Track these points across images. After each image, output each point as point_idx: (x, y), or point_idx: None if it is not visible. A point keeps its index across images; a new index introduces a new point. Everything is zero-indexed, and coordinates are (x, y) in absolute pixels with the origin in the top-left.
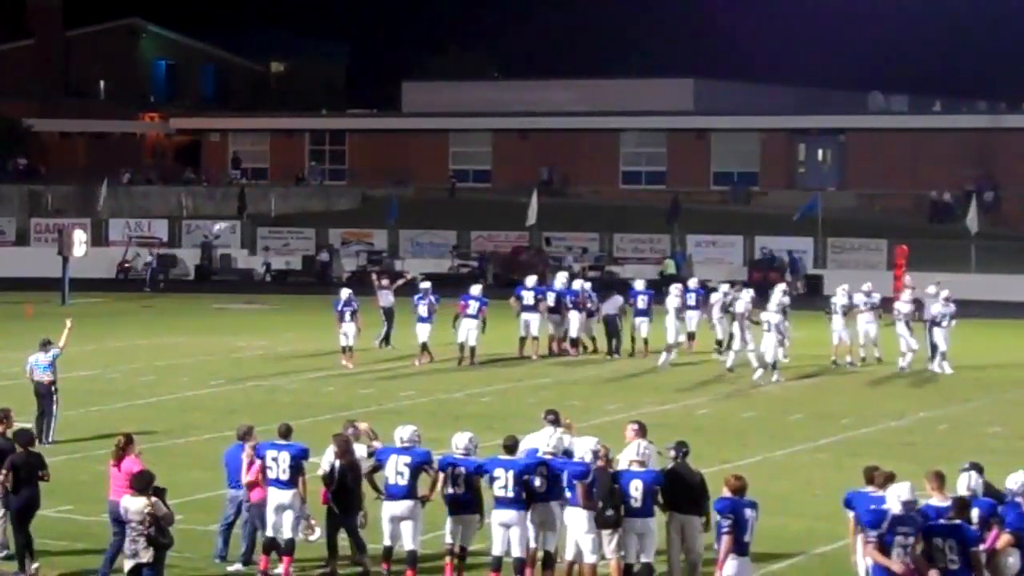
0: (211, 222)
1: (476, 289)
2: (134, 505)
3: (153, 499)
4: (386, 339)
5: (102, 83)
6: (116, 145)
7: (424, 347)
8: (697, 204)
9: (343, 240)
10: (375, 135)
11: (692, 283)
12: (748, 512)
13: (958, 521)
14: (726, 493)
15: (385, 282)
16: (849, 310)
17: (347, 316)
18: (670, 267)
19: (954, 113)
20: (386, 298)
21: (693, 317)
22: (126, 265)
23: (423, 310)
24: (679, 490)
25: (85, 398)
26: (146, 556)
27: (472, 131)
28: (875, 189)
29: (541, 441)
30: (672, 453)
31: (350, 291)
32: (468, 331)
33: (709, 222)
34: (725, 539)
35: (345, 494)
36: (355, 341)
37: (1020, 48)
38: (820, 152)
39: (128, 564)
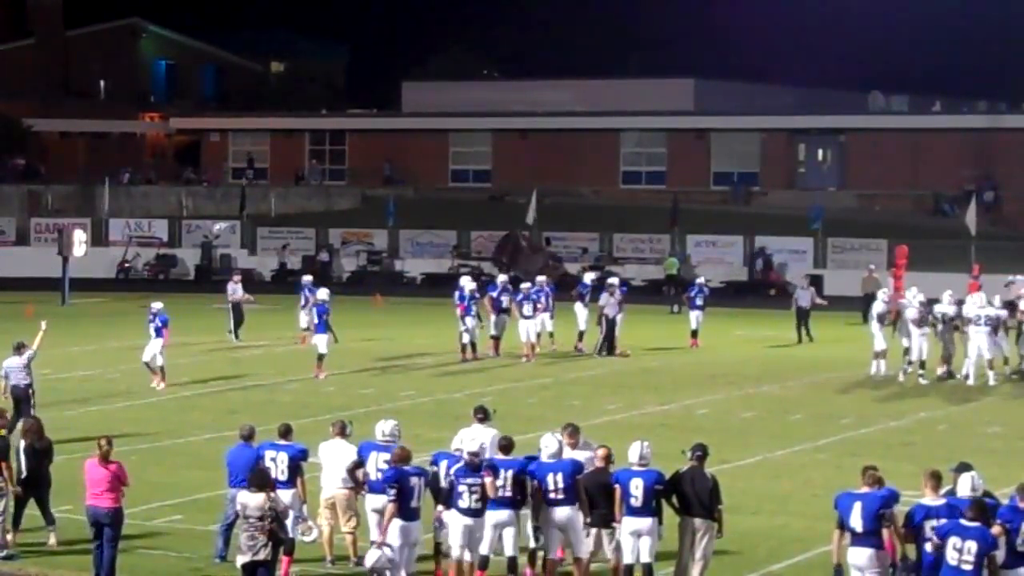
0: (211, 222)
1: (524, 286)
2: (253, 501)
3: (272, 494)
4: (236, 333)
5: (102, 83)
6: (116, 145)
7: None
8: (697, 204)
9: (343, 240)
10: (375, 135)
11: (699, 281)
12: (413, 480)
13: (979, 524)
14: (392, 464)
15: (237, 277)
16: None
17: (151, 332)
18: (672, 267)
19: (954, 113)
20: (238, 293)
21: (700, 316)
22: (126, 265)
23: (303, 301)
24: (691, 493)
25: (85, 398)
26: (264, 553)
27: (472, 131)
28: (875, 189)
29: (478, 439)
30: (689, 454)
31: (160, 304)
32: (540, 323)
33: (709, 222)
34: (390, 506)
35: (40, 473)
36: (162, 360)
37: (1020, 48)
38: (820, 152)
39: (242, 560)
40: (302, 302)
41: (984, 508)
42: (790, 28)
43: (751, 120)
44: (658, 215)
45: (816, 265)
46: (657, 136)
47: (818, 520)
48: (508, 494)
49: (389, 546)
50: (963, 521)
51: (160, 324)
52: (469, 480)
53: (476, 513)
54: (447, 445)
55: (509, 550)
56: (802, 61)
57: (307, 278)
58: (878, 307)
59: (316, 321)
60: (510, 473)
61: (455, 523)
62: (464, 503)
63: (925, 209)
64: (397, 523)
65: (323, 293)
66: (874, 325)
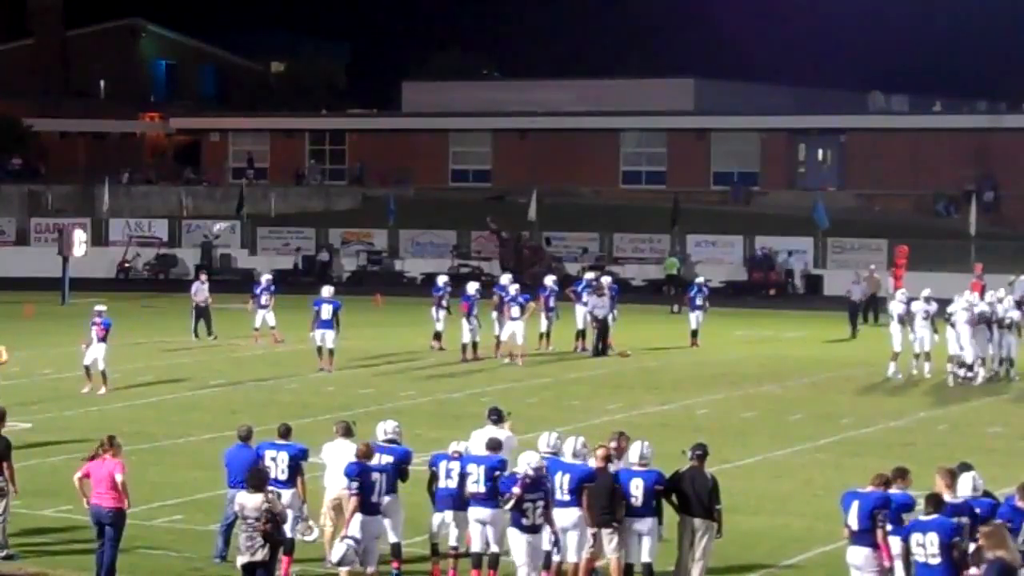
0: (211, 222)
1: (512, 288)
2: (251, 502)
3: (270, 495)
4: (204, 332)
5: (102, 83)
6: (116, 145)
7: (257, 330)
8: (697, 204)
9: (343, 240)
10: (375, 135)
11: (698, 281)
12: (375, 476)
13: (936, 516)
14: (353, 459)
15: (204, 277)
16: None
17: (93, 335)
18: (672, 267)
19: (954, 113)
20: (203, 293)
21: (700, 316)
22: (126, 265)
23: (265, 300)
24: (691, 493)
25: (85, 398)
26: (261, 554)
27: (472, 131)
28: (875, 189)
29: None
30: (689, 454)
31: (104, 307)
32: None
33: (709, 222)
34: (353, 500)
35: None
36: (104, 364)
37: (1020, 48)
38: (820, 152)
39: (241, 560)
40: (264, 301)
41: (940, 501)
42: (790, 28)
43: (751, 120)
44: (658, 215)
45: (816, 265)
46: (657, 136)
47: (818, 520)
48: (483, 490)
49: (354, 539)
50: (921, 516)
51: (104, 328)
52: (533, 495)
53: (537, 529)
54: (447, 445)
55: (494, 547)
56: (802, 61)
57: (267, 277)
58: (897, 308)
59: (327, 317)
60: (482, 469)
61: (518, 542)
62: (528, 520)
63: (925, 209)
64: (359, 517)
65: (328, 291)
66: (893, 326)
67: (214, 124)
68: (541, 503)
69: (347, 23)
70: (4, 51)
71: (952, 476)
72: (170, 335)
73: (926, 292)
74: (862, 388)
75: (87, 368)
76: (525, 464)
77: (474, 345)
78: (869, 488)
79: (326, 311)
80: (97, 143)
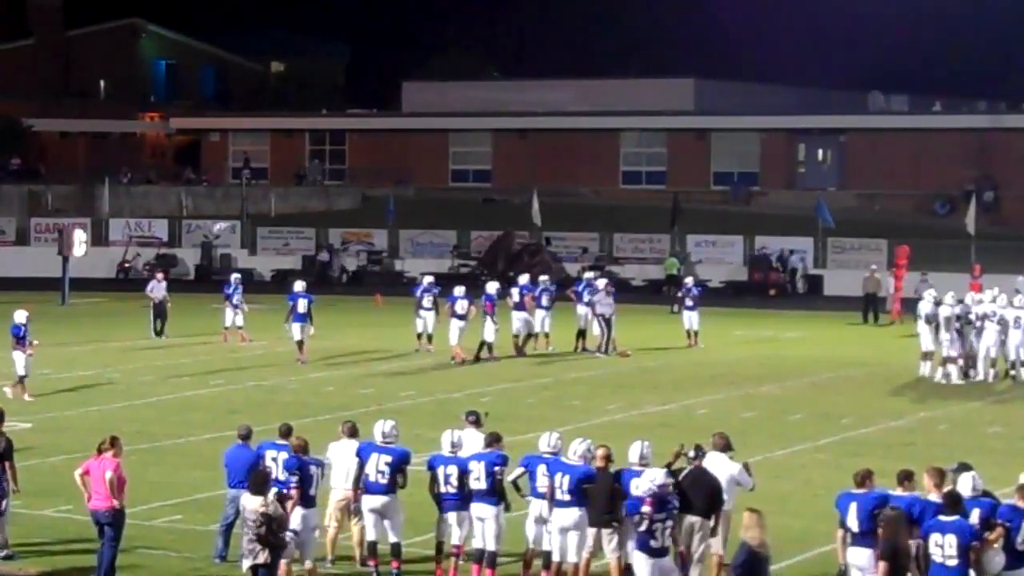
0: (211, 222)
1: (458, 289)
2: (251, 505)
3: (270, 500)
4: (159, 331)
5: (102, 83)
6: (116, 145)
7: (228, 329)
8: (697, 204)
9: (343, 240)
10: (375, 135)
11: (687, 282)
12: (312, 469)
13: (956, 517)
14: (293, 454)
15: (160, 275)
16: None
17: (22, 344)
18: (672, 267)
19: (954, 113)
20: (160, 291)
21: (693, 317)
22: (126, 265)
23: (237, 299)
24: (693, 492)
25: (85, 398)
26: (262, 557)
27: (472, 131)
28: (875, 189)
29: (476, 442)
30: (691, 454)
31: (26, 314)
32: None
33: (709, 222)
34: (294, 493)
35: None
36: (27, 371)
37: (1020, 48)
38: (820, 152)
39: (246, 564)
40: (236, 300)
41: (959, 501)
42: (790, 28)
43: (751, 120)
44: (658, 215)
45: (816, 265)
46: (657, 136)
47: (818, 520)
48: (484, 487)
49: (294, 531)
50: (941, 517)
51: (25, 334)
52: (660, 515)
53: (666, 552)
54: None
55: (492, 545)
56: (802, 61)
57: (235, 276)
58: (925, 307)
59: (303, 310)
60: (482, 465)
61: (644, 566)
62: (657, 542)
63: (925, 209)
64: (299, 510)
65: (300, 285)
66: (920, 325)
67: (214, 124)
68: (670, 523)
69: (347, 23)
70: (4, 51)
71: (941, 475)
72: (170, 335)
73: (951, 295)
74: (862, 388)
75: (24, 378)
76: (648, 482)
77: (490, 346)
78: (861, 489)
79: (301, 305)
80: (97, 143)
